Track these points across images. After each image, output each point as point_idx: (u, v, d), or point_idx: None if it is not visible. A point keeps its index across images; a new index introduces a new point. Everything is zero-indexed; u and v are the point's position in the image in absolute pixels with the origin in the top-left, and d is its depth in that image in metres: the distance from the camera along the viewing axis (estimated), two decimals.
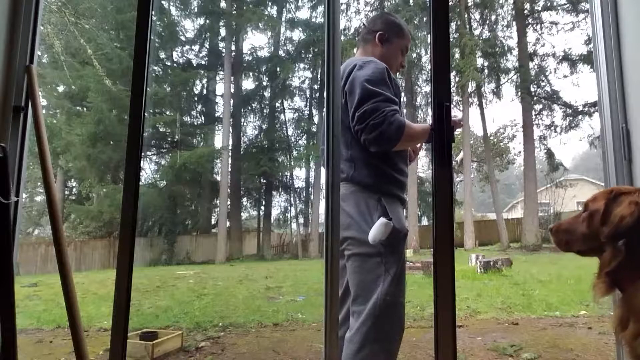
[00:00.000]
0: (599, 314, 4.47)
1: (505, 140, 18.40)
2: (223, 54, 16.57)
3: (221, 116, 16.49)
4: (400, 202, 1.56)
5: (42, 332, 4.17)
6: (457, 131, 1.28)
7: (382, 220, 1.42)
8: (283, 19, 16.88)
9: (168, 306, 5.50)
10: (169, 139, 15.81)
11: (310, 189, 17.05)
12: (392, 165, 1.52)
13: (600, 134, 1.49)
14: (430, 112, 1.41)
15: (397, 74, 1.80)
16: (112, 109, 13.11)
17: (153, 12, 1.56)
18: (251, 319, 4.58)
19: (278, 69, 16.35)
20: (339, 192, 1.31)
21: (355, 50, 1.78)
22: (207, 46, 17.28)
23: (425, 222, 16.17)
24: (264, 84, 17.34)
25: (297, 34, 16.98)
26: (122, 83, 12.92)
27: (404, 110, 1.78)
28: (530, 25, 15.14)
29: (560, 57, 14.67)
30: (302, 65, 16.97)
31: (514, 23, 14.98)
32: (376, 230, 1.41)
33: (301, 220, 16.95)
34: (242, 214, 17.39)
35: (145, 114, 1.52)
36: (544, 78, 14.99)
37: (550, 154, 15.23)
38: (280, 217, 17.69)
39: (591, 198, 1.19)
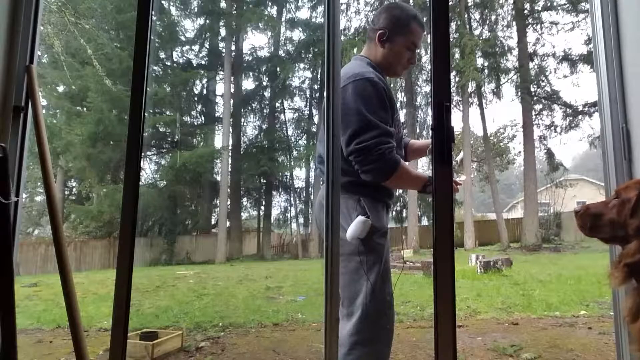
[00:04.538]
0: (599, 314, 4.47)
1: (505, 140, 18.42)
2: (223, 54, 16.58)
3: (221, 116, 16.50)
4: (382, 203, 1.54)
5: (42, 332, 4.16)
6: (457, 131, 1.28)
7: (360, 218, 1.41)
8: (283, 19, 16.90)
9: (168, 306, 5.50)
10: (169, 139, 15.82)
11: (310, 189, 17.06)
12: None
13: (600, 134, 1.49)
14: (430, 112, 1.41)
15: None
16: (112, 109, 13.12)
17: (153, 12, 1.56)
18: (251, 319, 4.58)
19: (278, 69, 16.35)
20: (339, 192, 1.31)
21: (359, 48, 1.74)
22: (207, 46, 17.29)
23: (425, 222, 16.17)
24: (264, 84, 17.36)
25: (297, 34, 17.01)
26: (122, 83, 12.92)
27: (403, 120, 1.76)
28: (530, 25, 15.14)
29: (560, 57, 14.68)
30: (302, 65, 16.99)
31: (514, 23, 14.98)
32: (354, 228, 1.40)
33: (301, 220, 16.97)
34: (242, 214, 17.40)
35: (145, 114, 1.51)
36: (544, 78, 15.00)
37: (550, 154, 15.24)
38: (280, 217, 17.71)
39: (623, 186, 1.18)
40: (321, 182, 1.58)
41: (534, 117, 14.94)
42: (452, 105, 1.35)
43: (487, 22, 15.30)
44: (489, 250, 13.12)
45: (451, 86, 1.40)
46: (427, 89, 15.19)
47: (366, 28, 15.44)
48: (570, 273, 7.40)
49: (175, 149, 14.93)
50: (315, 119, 16.97)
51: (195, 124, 16.96)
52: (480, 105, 15.67)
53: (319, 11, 16.37)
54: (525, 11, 14.94)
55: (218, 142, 16.20)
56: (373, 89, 1.46)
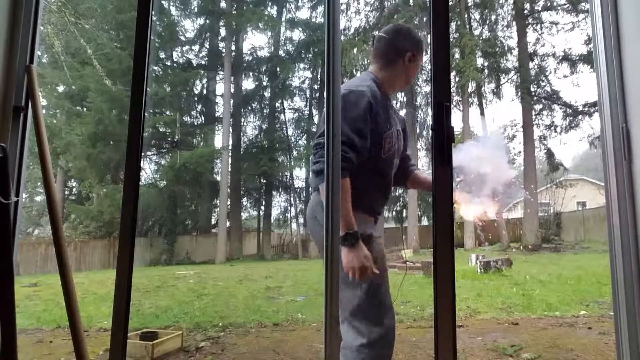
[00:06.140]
0: (599, 314, 4.47)
1: (505, 140, 18.41)
2: (223, 54, 16.57)
3: (221, 116, 16.50)
4: (367, 213, 1.55)
5: (42, 332, 4.17)
6: (457, 131, 1.28)
7: None
8: (283, 19, 16.89)
9: (168, 306, 5.50)
10: (169, 139, 15.82)
11: (310, 189, 17.03)
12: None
13: (600, 134, 1.48)
14: (430, 112, 1.41)
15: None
16: (112, 109, 13.12)
17: (153, 12, 1.56)
18: (251, 319, 4.58)
19: (278, 69, 16.36)
20: (339, 191, 1.31)
21: (370, 66, 1.71)
22: (207, 46, 17.29)
23: (425, 222, 16.17)
24: (264, 84, 17.36)
25: (297, 34, 17.01)
26: (122, 83, 12.93)
27: (400, 127, 1.73)
28: (530, 25, 15.14)
29: (560, 57, 14.67)
30: (302, 65, 17.00)
31: (514, 23, 14.97)
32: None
33: (301, 220, 16.95)
34: (242, 214, 17.40)
35: (145, 114, 1.52)
36: (544, 78, 14.99)
37: (550, 154, 15.23)
38: (280, 217, 17.71)
39: None
40: (310, 191, 1.61)
41: (534, 117, 14.94)
42: (452, 105, 1.35)
43: (487, 22, 15.29)
44: (489, 250, 13.12)
45: (451, 86, 1.40)
46: (427, 89, 15.20)
47: (366, 28, 15.44)
48: (570, 273, 7.40)
49: (175, 149, 14.93)
50: (315, 119, 16.97)
51: (195, 124, 16.97)
52: (480, 105, 15.66)
53: (319, 11, 16.38)
54: (525, 11, 14.94)
55: (218, 142, 16.22)
56: (358, 110, 1.48)
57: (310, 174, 1.49)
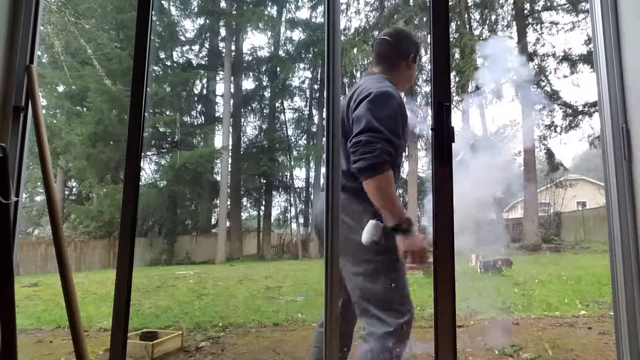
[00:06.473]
0: (599, 314, 4.47)
1: (505, 140, 18.39)
2: (223, 54, 16.57)
3: (221, 116, 16.50)
4: None
5: (42, 332, 4.17)
6: (457, 131, 1.29)
7: (372, 222, 1.49)
8: (283, 19, 16.88)
9: (168, 306, 5.50)
10: (169, 139, 15.81)
11: (310, 189, 17.06)
12: None
13: (600, 134, 1.48)
14: (430, 112, 1.41)
15: None
16: (112, 109, 13.11)
17: (153, 12, 1.56)
18: (251, 319, 4.58)
19: (278, 69, 16.35)
20: (339, 191, 1.31)
21: (372, 67, 1.77)
22: (207, 46, 17.29)
23: (425, 222, 16.16)
24: (264, 84, 17.35)
25: (297, 34, 16.99)
26: (122, 83, 12.92)
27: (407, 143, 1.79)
28: (530, 25, 15.13)
29: (560, 57, 14.66)
30: (302, 65, 16.98)
31: (514, 23, 14.97)
32: (368, 232, 1.48)
33: (301, 220, 16.96)
34: (242, 214, 17.38)
35: (145, 114, 1.52)
36: (544, 78, 14.98)
37: (550, 154, 15.22)
38: (280, 217, 17.70)
39: None
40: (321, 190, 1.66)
41: (534, 117, 14.93)
42: (452, 105, 1.36)
43: (487, 22, 15.29)
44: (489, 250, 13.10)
45: (451, 86, 1.40)
46: (427, 89, 15.19)
47: (366, 28, 15.43)
48: (570, 273, 7.39)
49: (175, 149, 14.93)
50: (315, 119, 16.96)
51: (195, 124, 16.96)
52: (480, 105, 15.66)
53: (319, 11, 16.37)
54: (525, 11, 14.93)
55: (218, 142, 16.21)
56: (390, 106, 1.53)
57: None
